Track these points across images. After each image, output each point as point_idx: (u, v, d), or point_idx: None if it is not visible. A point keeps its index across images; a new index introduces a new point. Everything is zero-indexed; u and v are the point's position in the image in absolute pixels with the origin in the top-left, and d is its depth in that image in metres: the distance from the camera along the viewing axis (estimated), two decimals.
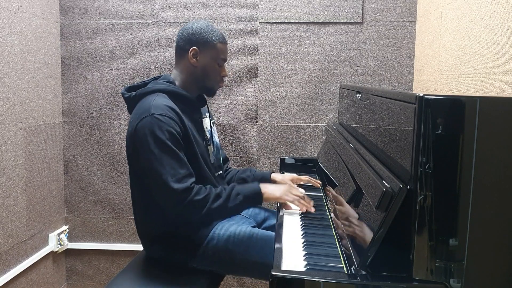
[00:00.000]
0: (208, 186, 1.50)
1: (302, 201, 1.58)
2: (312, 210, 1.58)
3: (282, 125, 2.44)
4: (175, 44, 1.65)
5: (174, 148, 1.44)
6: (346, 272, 1.12)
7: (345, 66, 2.39)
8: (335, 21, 2.37)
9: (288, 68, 2.41)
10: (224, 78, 1.69)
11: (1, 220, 1.97)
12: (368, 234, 1.09)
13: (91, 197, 2.53)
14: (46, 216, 2.34)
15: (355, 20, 2.36)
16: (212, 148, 1.72)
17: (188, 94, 1.60)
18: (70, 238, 2.54)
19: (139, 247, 2.43)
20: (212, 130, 1.78)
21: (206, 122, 1.74)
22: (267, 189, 1.57)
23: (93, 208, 2.54)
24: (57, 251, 2.43)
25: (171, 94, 1.56)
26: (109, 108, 2.48)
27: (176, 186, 1.41)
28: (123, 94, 1.63)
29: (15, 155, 2.06)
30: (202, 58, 1.60)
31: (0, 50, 1.94)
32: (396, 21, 2.35)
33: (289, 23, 2.39)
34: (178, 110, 1.51)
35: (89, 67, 2.46)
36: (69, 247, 2.53)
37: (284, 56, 2.40)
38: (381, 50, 2.37)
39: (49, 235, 2.38)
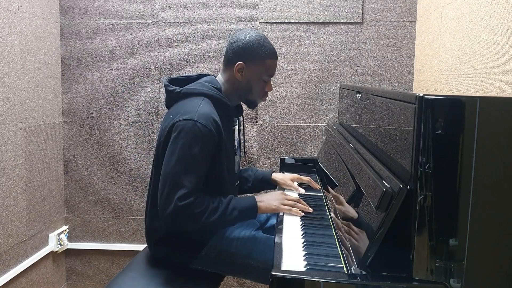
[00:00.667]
0: (207, 198, 1.46)
1: (299, 205, 1.57)
2: (310, 210, 1.58)
3: (282, 125, 2.44)
4: (224, 51, 1.63)
5: (200, 162, 1.43)
6: (346, 272, 1.12)
7: (345, 66, 2.39)
8: (335, 21, 2.37)
9: (288, 68, 2.41)
10: (268, 93, 1.67)
11: (1, 220, 1.97)
12: (368, 234, 1.09)
13: (91, 197, 2.53)
14: (46, 216, 2.34)
15: (355, 20, 2.36)
16: (238, 158, 1.71)
17: (230, 104, 1.59)
18: (70, 238, 2.54)
19: (139, 247, 2.44)
20: (240, 139, 1.77)
21: (236, 130, 1.73)
22: (262, 203, 1.55)
23: (93, 208, 2.54)
24: (57, 251, 2.43)
25: (215, 101, 1.54)
26: (109, 108, 2.48)
27: (180, 202, 1.38)
28: (166, 86, 1.60)
29: (15, 155, 2.06)
30: (247, 73, 1.58)
31: (0, 50, 1.94)
32: (396, 21, 2.35)
33: (289, 23, 2.39)
34: (219, 120, 1.48)
35: (89, 67, 2.46)
36: (69, 247, 2.53)
37: (284, 56, 2.40)
38: (381, 50, 2.37)
39: (49, 235, 2.38)
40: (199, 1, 2.40)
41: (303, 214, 1.56)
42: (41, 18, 2.26)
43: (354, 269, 1.08)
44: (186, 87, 1.57)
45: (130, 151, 2.49)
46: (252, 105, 1.67)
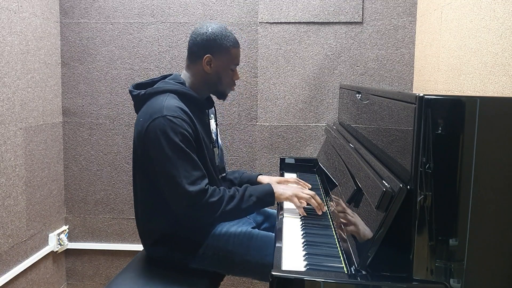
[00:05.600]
0: (221, 188, 1.49)
1: (312, 201, 1.56)
2: (324, 209, 1.57)
3: (282, 125, 2.44)
4: (187, 46, 1.62)
5: (188, 150, 1.43)
6: (346, 272, 1.12)
7: (345, 66, 2.39)
8: (335, 21, 2.37)
9: (288, 68, 2.41)
10: (236, 81, 1.68)
11: (1, 220, 1.97)
12: (368, 234, 1.09)
13: (91, 197, 2.53)
14: (46, 216, 2.34)
15: (355, 20, 2.36)
16: (217, 150, 1.72)
17: (197, 96, 1.59)
18: (70, 238, 2.54)
19: (139, 247, 2.44)
20: (217, 132, 1.78)
21: (212, 123, 1.73)
22: (278, 188, 1.57)
23: (93, 208, 2.54)
24: (57, 251, 2.43)
25: (181, 95, 1.55)
26: (109, 108, 2.48)
27: (191, 188, 1.40)
28: (131, 92, 1.61)
29: (15, 155, 2.06)
30: (216, 65, 1.58)
31: (0, 50, 1.94)
32: (396, 21, 2.35)
33: (289, 23, 2.39)
34: (188, 111, 1.49)
35: (89, 67, 2.46)
36: (69, 247, 2.53)
37: (284, 56, 2.40)
38: (381, 50, 2.37)
39: (49, 235, 2.38)
40: (199, 1, 2.40)
41: (320, 211, 1.54)
42: (41, 18, 2.26)
43: (354, 269, 1.08)
44: (149, 88, 1.57)
45: (130, 151, 2.49)
46: (222, 96, 1.68)
